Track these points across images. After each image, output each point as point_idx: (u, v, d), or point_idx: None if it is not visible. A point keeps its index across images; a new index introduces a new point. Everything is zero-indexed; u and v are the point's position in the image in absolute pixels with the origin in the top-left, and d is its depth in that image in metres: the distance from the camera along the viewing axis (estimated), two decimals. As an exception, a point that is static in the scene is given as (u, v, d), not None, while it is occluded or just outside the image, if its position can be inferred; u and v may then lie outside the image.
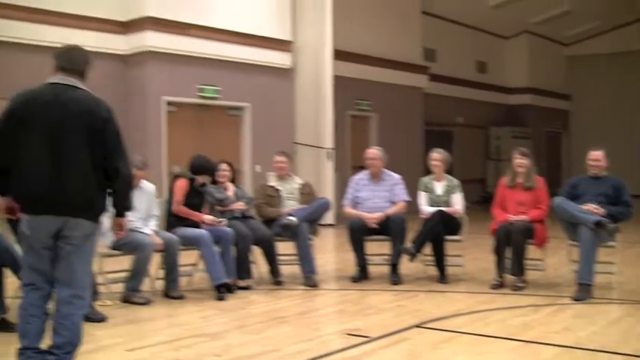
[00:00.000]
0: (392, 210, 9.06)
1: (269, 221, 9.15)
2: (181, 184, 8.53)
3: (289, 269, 9.29)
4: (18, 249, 5.72)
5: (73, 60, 5.06)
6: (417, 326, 6.66)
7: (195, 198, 8.56)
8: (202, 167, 8.62)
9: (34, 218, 4.86)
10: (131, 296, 7.90)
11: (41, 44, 12.68)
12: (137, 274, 7.96)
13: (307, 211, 9.10)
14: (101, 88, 13.93)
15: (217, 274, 8.07)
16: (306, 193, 9.44)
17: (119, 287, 8.14)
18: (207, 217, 8.49)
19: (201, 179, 8.57)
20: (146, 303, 7.85)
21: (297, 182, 9.56)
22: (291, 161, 9.76)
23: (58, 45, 11.57)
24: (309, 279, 8.90)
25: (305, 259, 8.97)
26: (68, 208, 4.83)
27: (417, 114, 21.86)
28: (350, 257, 9.49)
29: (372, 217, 8.97)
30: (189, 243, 8.27)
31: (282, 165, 9.48)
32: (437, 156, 9.40)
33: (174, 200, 8.48)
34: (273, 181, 9.46)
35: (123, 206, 5.20)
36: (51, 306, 5.01)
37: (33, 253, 4.95)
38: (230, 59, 15.73)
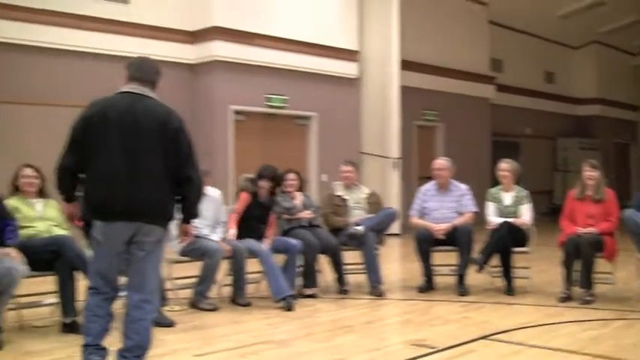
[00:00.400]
0: (459, 221, 9.02)
1: (336, 230, 9.18)
2: (243, 197, 8.62)
3: (355, 278, 9.32)
4: (89, 254, 5.83)
5: (144, 70, 5.18)
6: (484, 338, 6.62)
7: (258, 210, 8.62)
8: (268, 175, 8.64)
9: (108, 224, 4.94)
10: (199, 302, 8.01)
11: (115, 54, 12.93)
12: (205, 280, 8.06)
13: (374, 220, 9.11)
14: (170, 97, 14.15)
15: (278, 288, 8.06)
16: (373, 202, 9.45)
17: (187, 293, 8.26)
18: (231, 232, 8.45)
19: (265, 185, 8.59)
20: (213, 309, 7.95)
21: (363, 192, 9.57)
22: (357, 171, 9.76)
23: (131, 54, 11.83)
24: (375, 288, 8.90)
25: (371, 269, 8.98)
26: (142, 214, 4.93)
27: (483, 124, 21.73)
28: (416, 267, 9.47)
29: (439, 228, 8.94)
30: (251, 254, 8.36)
31: (349, 175, 9.50)
32: (505, 166, 9.34)
33: (234, 209, 8.59)
34: (340, 191, 9.48)
35: (191, 213, 5.27)
36: (117, 309, 5.12)
37: (103, 258, 5.06)
38: (297, 69, 15.83)
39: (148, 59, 5.37)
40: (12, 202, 7.13)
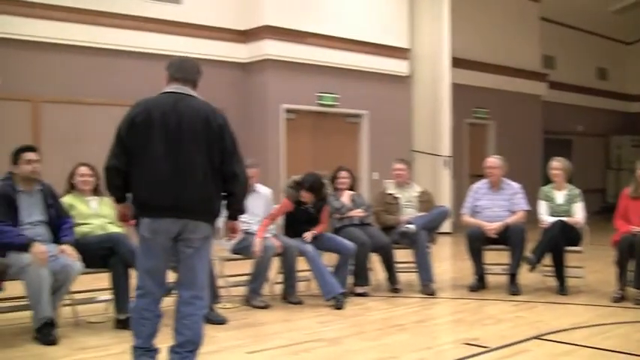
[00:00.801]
0: (511, 219, 8.97)
1: (387, 229, 9.19)
2: (284, 203, 8.60)
3: (407, 277, 9.32)
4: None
5: (185, 70, 5.24)
6: (536, 338, 6.59)
7: (304, 215, 8.59)
8: (306, 186, 8.52)
9: (155, 221, 4.99)
10: (252, 299, 8.08)
11: (168, 54, 13.04)
12: (258, 277, 8.12)
13: (426, 218, 9.09)
14: (222, 96, 14.45)
15: (328, 287, 8.09)
16: (425, 200, 9.44)
17: (239, 291, 8.33)
18: (257, 242, 8.19)
19: (305, 196, 8.52)
20: (265, 307, 8.00)
21: (415, 190, 9.57)
22: (410, 169, 9.74)
23: (183, 54, 11.94)
24: (427, 287, 8.89)
25: (423, 267, 8.96)
26: (188, 211, 4.97)
27: (535, 122, 21.56)
28: (467, 266, 9.44)
29: (492, 227, 8.89)
30: (300, 253, 8.40)
31: (401, 173, 9.50)
32: (557, 164, 9.26)
33: (271, 213, 8.58)
34: (391, 189, 9.48)
35: (237, 209, 5.33)
36: (168, 306, 5.19)
37: (150, 255, 5.11)
38: (348, 67, 15.85)
39: (188, 59, 5.43)
40: (68, 200, 7.27)
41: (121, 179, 5.07)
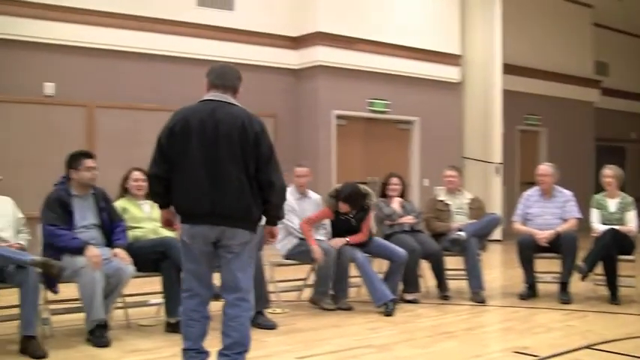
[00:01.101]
0: (562, 227, 8.90)
1: (438, 235, 9.17)
2: (324, 211, 8.58)
3: (457, 284, 9.30)
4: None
5: (224, 77, 5.29)
6: (588, 347, 6.52)
7: (345, 224, 8.52)
8: (341, 197, 8.43)
9: (192, 227, 5.10)
10: (320, 300, 8.22)
11: (221, 60, 13.16)
12: (324, 280, 8.21)
13: (477, 226, 9.06)
14: (273, 102, 14.53)
15: (378, 294, 8.09)
16: (476, 208, 9.40)
17: (289, 296, 8.36)
18: (315, 249, 8.18)
19: (343, 207, 8.43)
20: (334, 309, 8.14)
21: (466, 197, 9.53)
22: (461, 176, 9.71)
23: (235, 60, 12.02)
24: (477, 294, 8.85)
25: (473, 275, 8.92)
26: (225, 218, 5.05)
27: (587, 129, 21.35)
28: (518, 274, 9.38)
29: (543, 235, 8.83)
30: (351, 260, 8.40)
31: (453, 179, 9.47)
32: (610, 172, 9.17)
33: (309, 217, 8.56)
34: (442, 196, 9.47)
35: (275, 216, 5.36)
36: (215, 311, 5.24)
37: (192, 259, 5.21)
38: (399, 73, 15.85)
39: (228, 65, 5.47)
40: (121, 203, 7.37)
41: (162, 186, 5.19)
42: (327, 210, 8.53)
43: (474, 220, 9.14)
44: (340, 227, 8.53)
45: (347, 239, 8.37)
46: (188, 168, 5.06)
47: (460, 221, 9.15)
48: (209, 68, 5.37)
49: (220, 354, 5.17)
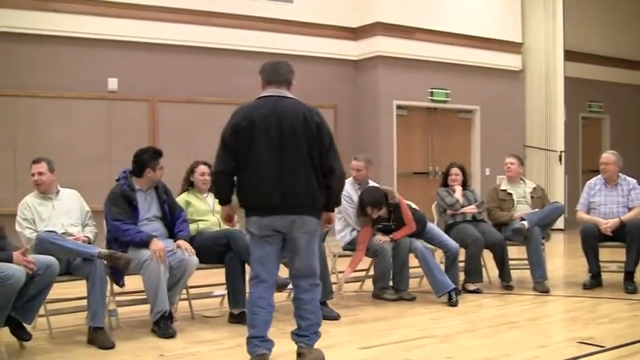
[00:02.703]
0: (628, 216, 8.78)
1: (500, 225, 9.13)
2: (365, 231, 8.30)
3: (520, 274, 9.24)
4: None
5: (277, 72, 5.48)
6: (655, 337, 6.47)
7: (385, 231, 8.40)
8: (371, 202, 8.25)
9: (263, 219, 5.28)
10: (383, 293, 8.27)
11: (280, 52, 13.28)
12: (382, 276, 8.25)
13: (540, 215, 8.98)
14: (334, 93, 14.55)
15: (439, 285, 8.08)
16: (538, 197, 9.33)
17: (352, 287, 8.39)
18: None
19: (372, 213, 8.22)
20: (398, 299, 8.18)
21: (529, 186, 9.46)
22: (522, 165, 9.63)
23: (295, 52, 12.06)
24: (540, 284, 8.79)
25: (536, 264, 8.86)
26: (294, 207, 5.25)
27: (652, 115, 21.01)
28: (581, 263, 9.31)
29: (607, 225, 8.73)
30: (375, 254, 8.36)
31: (511, 167, 9.42)
32: None
33: (356, 256, 8.41)
34: (504, 185, 9.42)
35: (334, 201, 5.52)
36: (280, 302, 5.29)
37: (260, 248, 5.39)
38: (460, 62, 15.75)
39: (279, 61, 5.66)
40: (184, 197, 7.47)
41: (228, 183, 5.36)
42: (366, 229, 8.30)
43: (537, 210, 9.07)
44: (380, 226, 8.43)
45: (390, 237, 8.31)
46: (256, 163, 5.23)
47: (523, 210, 9.10)
48: (261, 66, 5.54)
49: (298, 335, 5.46)
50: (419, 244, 8.33)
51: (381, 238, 8.23)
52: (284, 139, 5.23)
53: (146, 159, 6.94)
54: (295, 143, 5.24)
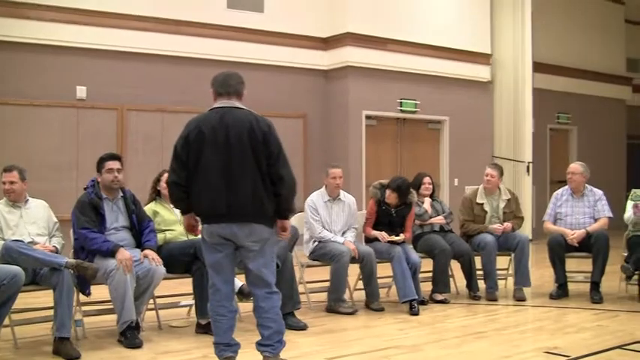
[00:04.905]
0: (594, 227, 8.86)
1: (469, 236, 9.17)
2: (370, 204, 8.72)
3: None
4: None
5: (228, 84, 5.56)
6: (619, 347, 6.49)
7: (385, 217, 8.66)
8: (392, 186, 8.58)
9: (211, 226, 5.38)
10: (337, 306, 8.15)
11: (250, 62, 13.31)
12: (337, 283, 8.18)
13: (520, 272, 9.14)
14: (303, 103, 14.55)
15: (405, 290, 8.14)
16: (510, 211, 9.33)
17: (319, 297, 8.39)
18: (375, 233, 8.59)
19: (390, 196, 8.56)
20: (353, 312, 8.08)
21: (504, 197, 9.38)
22: (501, 176, 9.49)
23: (266, 62, 12.06)
24: (490, 294, 8.98)
25: (488, 274, 9.05)
26: (240, 215, 5.32)
27: (619, 127, 21.14)
28: (548, 273, 9.37)
29: (574, 235, 8.80)
30: (383, 257, 8.42)
31: (491, 179, 9.32)
32: None
33: (365, 222, 8.73)
34: (480, 198, 9.35)
35: (285, 209, 5.53)
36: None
37: (212, 256, 5.48)
38: (429, 73, 15.80)
39: (230, 73, 5.70)
40: (152, 207, 7.45)
41: (182, 193, 5.46)
42: (371, 203, 8.71)
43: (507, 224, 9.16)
44: (381, 220, 8.63)
45: (393, 237, 8.45)
46: (204, 173, 5.35)
47: (494, 224, 9.17)
48: (213, 78, 5.63)
49: (262, 345, 5.48)
50: (399, 249, 8.37)
51: (383, 236, 8.45)
52: (231, 148, 5.32)
53: (97, 164, 6.95)
54: (242, 152, 5.32)
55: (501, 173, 9.51)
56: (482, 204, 9.33)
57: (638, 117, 21.94)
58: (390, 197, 8.54)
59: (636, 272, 8.55)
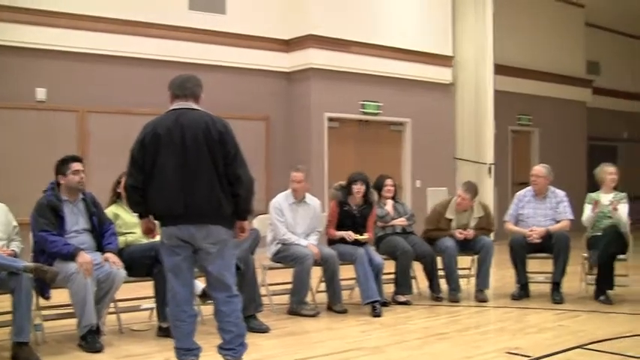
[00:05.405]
0: (554, 227, 8.93)
1: (432, 240, 9.19)
2: (332, 206, 8.73)
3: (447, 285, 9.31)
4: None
5: (184, 86, 5.57)
6: (580, 347, 6.55)
7: (348, 219, 8.68)
8: (362, 178, 8.69)
9: (169, 229, 5.37)
10: (299, 309, 8.14)
11: (212, 64, 13.25)
12: (299, 286, 8.17)
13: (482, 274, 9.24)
14: (265, 105, 14.52)
15: (368, 292, 8.16)
16: (480, 227, 9.35)
17: (282, 299, 8.37)
18: (340, 233, 8.62)
19: (361, 189, 8.61)
20: (315, 314, 8.08)
21: (476, 215, 9.32)
22: (475, 197, 9.36)
23: (228, 64, 12.04)
24: (453, 295, 9.02)
25: (450, 276, 9.10)
26: (197, 217, 5.31)
27: (579, 129, 21.35)
28: (510, 274, 9.42)
29: (533, 232, 8.87)
30: (346, 259, 8.42)
31: (462, 202, 9.23)
32: (615, 169, 9.23)
33: (327, 224, 8.75)
34: (450, 214, 9.28)
35: (244, 210, 5.52)
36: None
37: (171, 259, 5.46)
38: (391, 75, 15.80)
39: (187, 76, 5.70)
40: (112, 209, 7.39)
41: (139, 196, 5.45)
42: (333, 204, 8.75)
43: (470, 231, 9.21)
44: (344, 221, 8.66)
45: (357, 237, 8.51)
46: (160, 175, 5.33)
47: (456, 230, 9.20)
48: (170, 81, 5.65)
49: (223, 349, 5.46)
50: (362, 250, 8.40)
51: (350, 234, 8.49)
52: (187, 149, 5.31)
53: (57, 165, 6.88)
54: (197, 153, 5.31)
55: (475, 194, 9.34)
56: (450, 220, 9.29)
57: (598, 119, 22.14)
58: (361, 190, 8.57)
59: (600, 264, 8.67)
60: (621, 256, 8.85)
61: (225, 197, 5.34)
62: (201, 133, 5.33)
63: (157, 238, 5.77)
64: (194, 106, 5.51)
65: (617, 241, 8.70)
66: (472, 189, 9.31)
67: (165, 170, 5.30)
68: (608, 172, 9.19)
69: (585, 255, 8.89)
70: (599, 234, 8.85)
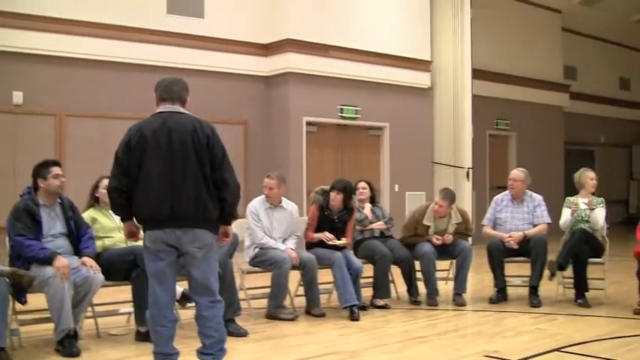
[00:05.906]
0: (532, 231, 8.97)
1: (411, 245, 9.19)
2: (312, 210, 8.74)
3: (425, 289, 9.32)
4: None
5: (171, 90, 5.52)
6: (557, 350, 6.58)
7: (327, 223, 8.69)
8: (339, 187, 8.67)
9: (154, 232, 5.30)
10: (278, 313, 8.13)
11: (191, 68, 13.21)
12: (277, 291, 8.15)
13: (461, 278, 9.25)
14: (244, 109, 14.48)
15: (346, 296, 8.17)
16: (458, 233, 9.33)
17: (260, 303, 8.36)
18: (318, 235, 8.66)
19: (337, 197, 8.61)
20: (293, 318, 8.08)
21: (453, 222, 9.29)
22: (452, 203, 9.30)
23: (206, 68, 12.01)
24: (431, 299, 9.04)
25: (428, 280, 9.09)
26: (183, 220, 5.27)
27: (557, 133, 21.48)
28: (487, 278, 9.45)
29: (511, 237, 8.91)
30: (324, 263, 8.42)
31: (439, 209, 9.17)
32: (594, 175, 9.29)
33: (307, 227, 8.76)
34: (427, 220, 9.24)
35: (229, 214, 5.51)
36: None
37: (154, 264, 5.40)
38: (370, 79, 15.83)
39: (174, 79, 5.67)
40: (90, 214, 7.34)
41: (123, 199, 5.38)
42: (313, 208, 8.75)
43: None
44: (323, 226, 8.66)
45: (336, 241, 8.55)
46: (146, 178, 5.26)
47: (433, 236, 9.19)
48: (156, 83, 5.59)
49: (203, 354, 5.43)
50: (340, 254, 8.40)
51: (329, 237, 8.54)
52: (173, 152, 5.27)
53: (37, 169, 6.84)
54: (184, 156, 5.27)
55: (452, 201, 9.30)
56: (428, 226, 9.27)
57: (575, 123, 22.28)
58: (336, 199, 8.57)
59: (563, 270, 8.74)
60: (598, 260, 8.90)
61: (212, 201, 5.31)
62: (189, 136, 5.29)
63: (140, 242, 5.74)
64: (181, 109, 5.47)
65: (584, 243, 8.74)
66: (449, 196, 9.29)
67: (151, 173, 5.25)
68: (589, 177, 9.25)
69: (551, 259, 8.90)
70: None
